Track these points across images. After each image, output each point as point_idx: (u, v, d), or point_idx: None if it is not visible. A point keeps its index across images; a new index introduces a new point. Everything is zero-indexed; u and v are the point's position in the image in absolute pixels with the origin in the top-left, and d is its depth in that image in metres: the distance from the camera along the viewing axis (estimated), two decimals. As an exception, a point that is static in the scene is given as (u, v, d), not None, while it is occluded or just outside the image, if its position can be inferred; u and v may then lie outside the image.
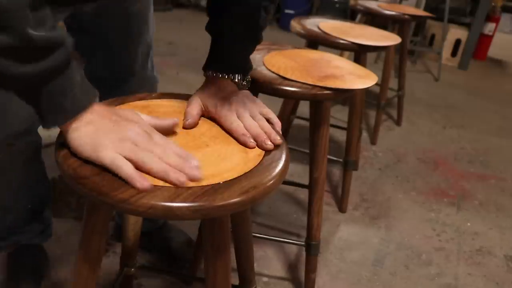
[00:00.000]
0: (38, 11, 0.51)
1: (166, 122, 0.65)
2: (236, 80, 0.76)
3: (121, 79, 1.06)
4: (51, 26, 0.53)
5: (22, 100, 0.55)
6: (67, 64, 0.54)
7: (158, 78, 1.17)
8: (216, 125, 0.72)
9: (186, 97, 0.79)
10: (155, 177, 0.55)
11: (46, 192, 1.12)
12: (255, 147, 0.66)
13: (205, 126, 0.72)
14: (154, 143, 0.57)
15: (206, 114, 0.73)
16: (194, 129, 0.70)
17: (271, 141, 0.66)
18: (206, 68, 0.76)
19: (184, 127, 0.69)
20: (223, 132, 0.70)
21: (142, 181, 0.52)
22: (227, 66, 0.76)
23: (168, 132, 0.66)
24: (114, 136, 0.55)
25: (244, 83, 0.79)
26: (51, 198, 1.15)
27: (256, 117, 0.70)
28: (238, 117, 0.69)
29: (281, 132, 0.71)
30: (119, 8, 0.97)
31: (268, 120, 0.71)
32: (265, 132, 0.67)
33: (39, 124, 0.85)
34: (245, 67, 0.79)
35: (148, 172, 0.55)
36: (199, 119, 0.72)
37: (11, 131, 0.84)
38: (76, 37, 0.99)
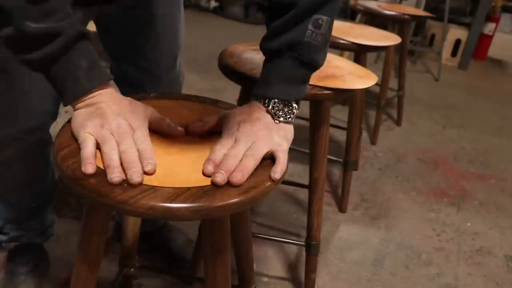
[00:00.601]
0: (42, 4, 0.55)
1: (169, 127, 0.65)
2: (270, 108, 0.67)
3: (145, 80, 1.04)
4: (61, 16, 0.57)
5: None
6: (64, 51, 0.58)
7: (183, 81, 1.15)
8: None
9: (185, 97, 0.79)
10: (105, 167, 0.56)
11: (51, 190, 1.13)
12: (208, 176, 0.58)
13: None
14: (129, 138, 0.59)
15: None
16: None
17: (230, 178, 0.56)
18: (255, 92, 0.70)
19: (186, 132, 0.67)
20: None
21: (87, 165, 0.55)
22: (261, 89, 0.69)
23: (171, 134, 0.66)
24: (98, 121, 0.59)
25: (283, 114, 0.68)
26: (55, 197, 1.15)
27: (250, 152, 0.61)
28: (233, 145, 0.62)
29: (276, 178, 0.60)
30: (144, 11, 0.96)
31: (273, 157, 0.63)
32: (237, 169, 0.58)
33: (51, 122, 0.89)
34: (283, 92, 0.68)
35: (102, 161, 0.57)
36: (206, 130, 0.68)
37: (23, 127, 0.88)
38: (104, 36, 1.01)
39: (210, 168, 0.58)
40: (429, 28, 4.07)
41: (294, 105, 0.69)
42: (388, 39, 1.51)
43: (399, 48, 2.16)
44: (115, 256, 1.25)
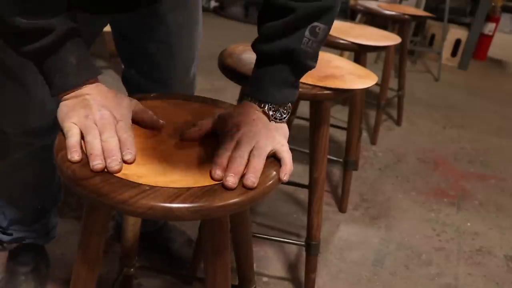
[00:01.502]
0: (32, 0, 0.57)
1: (151, 119, 0.68)
2: (266, 109, 0.68)
3: (158, 89, 1.00)
4: (53, 13, 0.59)
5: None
6: (54, 48, 0.61)
7: (194, 89, 1.13)
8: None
9: (183, 97, 0.79)
10: (88, 155, 0.58)
11: (56, 193, 1.13)
12: (219, 180, 0.57)
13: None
14: (109, 128, 0.61)
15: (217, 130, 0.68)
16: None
17: (244, 181, 0.57)
18: (246, 94, 0.71)
19: (182, 138, 0.66)
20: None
21: (73, 153, 0.57)
22: (254, 90, 0.69)
23: (151, 126, 0.68)
24: (82, 112, 0.62)
25: (278, 115, 0.69)
26: (60, 200, 1.15)
27: (256, 152, 0.62)
28: (235, 146, 0.62)
29: (284, 180, 0.63)
30: (160, 21, 0.93)
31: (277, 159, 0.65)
32: (248, 171, 0.58)
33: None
34: (278, 97, 0.69)
35: (85, 149, 0.59)
36: (202, 134, 0.67)
37: (33, 131, 0.90)
38: (118, 44, 1.02)
39: (219, 173, 0.58)
40: (429, 28, 4.07)
41: (289, 104, 0.70)
42: (388, 39, 1.51)
43: (399, 48, 2.16)
44: (115, 256, 1.25)
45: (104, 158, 0.57)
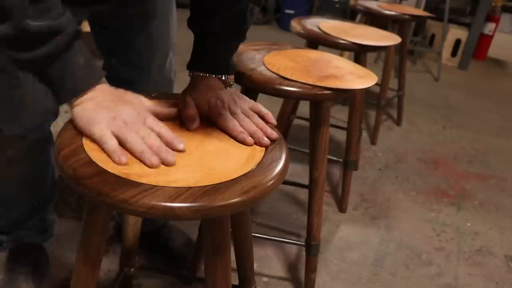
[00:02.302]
0: (40, 1, 0.55)
1: (165, 110, 0.69)
2: (223, 79, 0.79)
3: (136, 78, 1.06)
4: (57, 14, 0.58)
5: (37, 81, 0.62)
6: (64, 49, 0.59)
7: (174, 80, 1.17)
8: (208, 124, 0.72)
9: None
10: (134, 156, 0.58)
11: (51, 188, 1.13)
12: (253, 144, 0.66)
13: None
14: (143, 125, 0.62)
15: (199, 113, 0.73)
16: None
17: (267, 136, 0.68)
18: (192, 67, 0.79)
19: (189, 130, 0.69)
20: (216, 130, 0.70)
21: (120, 156, 0.57)
22: (215, 67, 0.79)
23: (165, 118, 0.69)
24: (108, 114, 0.61)
25: (231, 82, 0.82)
26: (56, 196, 1.15)
27: (248, 114, 0.72)
28: (232, 115, 0.70)
29: (275, 123, 0.74)
30: (138, 10, 0.97)
31: (258, 114, 0.74)
32: (260, 129, 0.69)
33: (53, 120, 0.90)
34: (230, 66, 0.83)
35: (129, 151, 0.59)
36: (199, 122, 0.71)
37: (26, 125, 0.87)
38: (98, 33, 1.03)
39: (244, 136, 0.66)
40: (429, 28, 4.07)
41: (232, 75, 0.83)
42: (388, 39, 1.51)
43: (399, 48, 2.16)
44: (115, 256, 1.25)
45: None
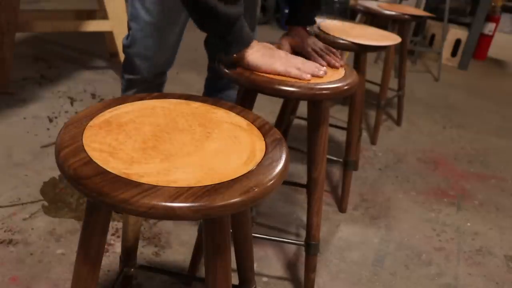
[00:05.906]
0: None
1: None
2: (308, 29, 1.18)
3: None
4: None
5: (215, 35, 0.89)
6: (242, 13, 0.87)
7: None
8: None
9: (185, 97, 0.79)
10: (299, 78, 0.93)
11: None
12: (325, 72, 1.00)
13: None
14: (299, 58, 0.99)
15: (295, 49, 1.14)
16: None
17: (333, 65, 1.06)
18: (289, 23, 1.18)
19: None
20: (216, 130, 0.70)
21: (306, 75, 0.93)
22: (306, 21, 1.19)
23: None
24: (273, 56, 0.94)
25: (312, 32, 1.25)
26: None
27: (324, 50, 1.10)
28: (313, 49, 1.10)
29: (340, 57, 1.09)
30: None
31: (329, 50, 1.11)
32: (330, 60, 1.07)
33: (169, 68, 1.30)
34: (313, 21, 1.22)
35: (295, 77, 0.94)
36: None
37: (150, 74, 1.23)
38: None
39: (325, 68, 1.00)
40: (429, 28, 4.07)
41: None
42: (388, 39, 1.51)
43: (399, 48, 2.16)
44: (116, 256, 1.25)
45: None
